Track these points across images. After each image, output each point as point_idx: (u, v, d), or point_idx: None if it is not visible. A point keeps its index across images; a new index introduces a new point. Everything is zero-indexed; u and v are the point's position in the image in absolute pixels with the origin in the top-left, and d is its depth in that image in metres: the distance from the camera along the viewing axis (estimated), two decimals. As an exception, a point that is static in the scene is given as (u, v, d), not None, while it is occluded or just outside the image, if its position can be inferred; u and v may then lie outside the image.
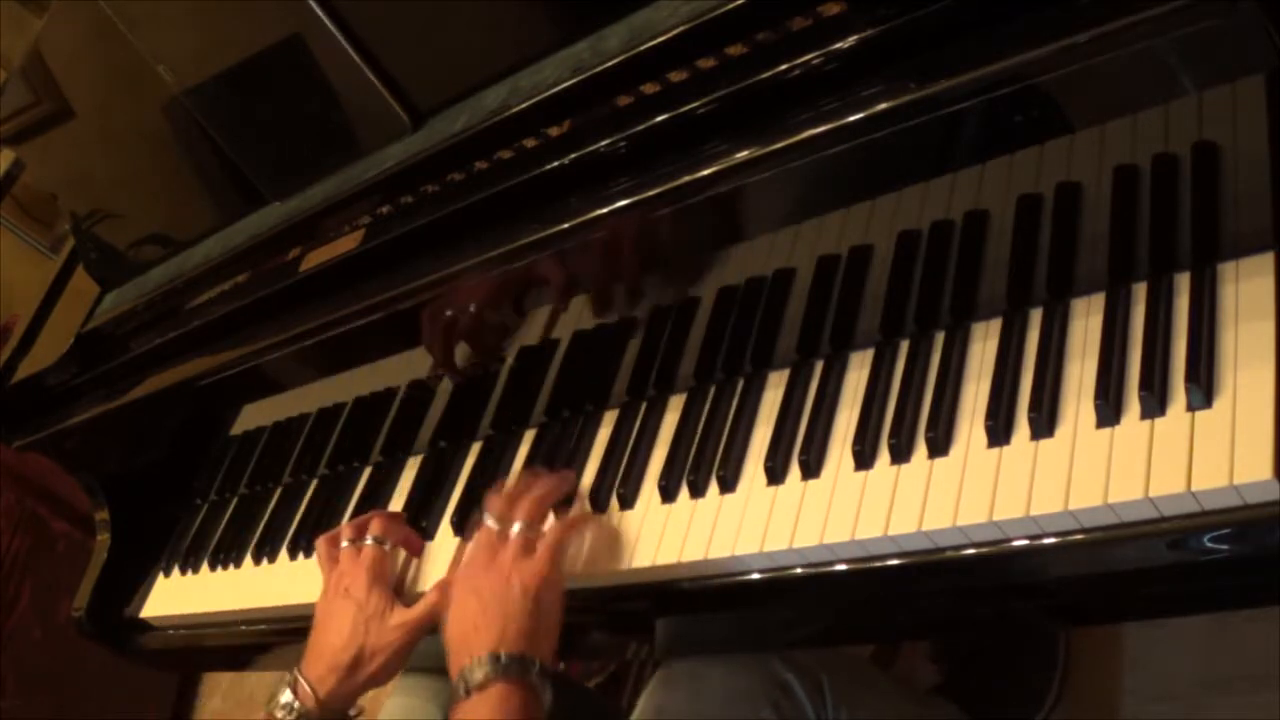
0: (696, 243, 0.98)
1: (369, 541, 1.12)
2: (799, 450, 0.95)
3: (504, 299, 1.07)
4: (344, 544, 1.13)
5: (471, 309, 1.09)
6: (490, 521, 1.01)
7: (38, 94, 1.33)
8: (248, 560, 1.38)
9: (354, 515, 1.29)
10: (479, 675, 0.91)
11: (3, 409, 1.47)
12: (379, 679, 1.06)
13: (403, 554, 1.17)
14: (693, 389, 1.08)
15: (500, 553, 0.98)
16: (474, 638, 0.94)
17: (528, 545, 0.99)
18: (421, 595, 1.09)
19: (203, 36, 1.14)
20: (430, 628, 1.06)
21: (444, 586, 1.07)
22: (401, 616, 1.06)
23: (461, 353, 1.15)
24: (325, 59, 1.05)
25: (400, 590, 1.15)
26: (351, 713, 1.08)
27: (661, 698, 1.02)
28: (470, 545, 1.03)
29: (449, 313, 1.09)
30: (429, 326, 1.11)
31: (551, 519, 1.03)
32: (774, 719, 1.02)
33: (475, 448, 1.22)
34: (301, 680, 1.05)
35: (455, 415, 1.23)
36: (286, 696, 1.05)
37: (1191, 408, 0.77)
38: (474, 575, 0.98)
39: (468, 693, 0.91)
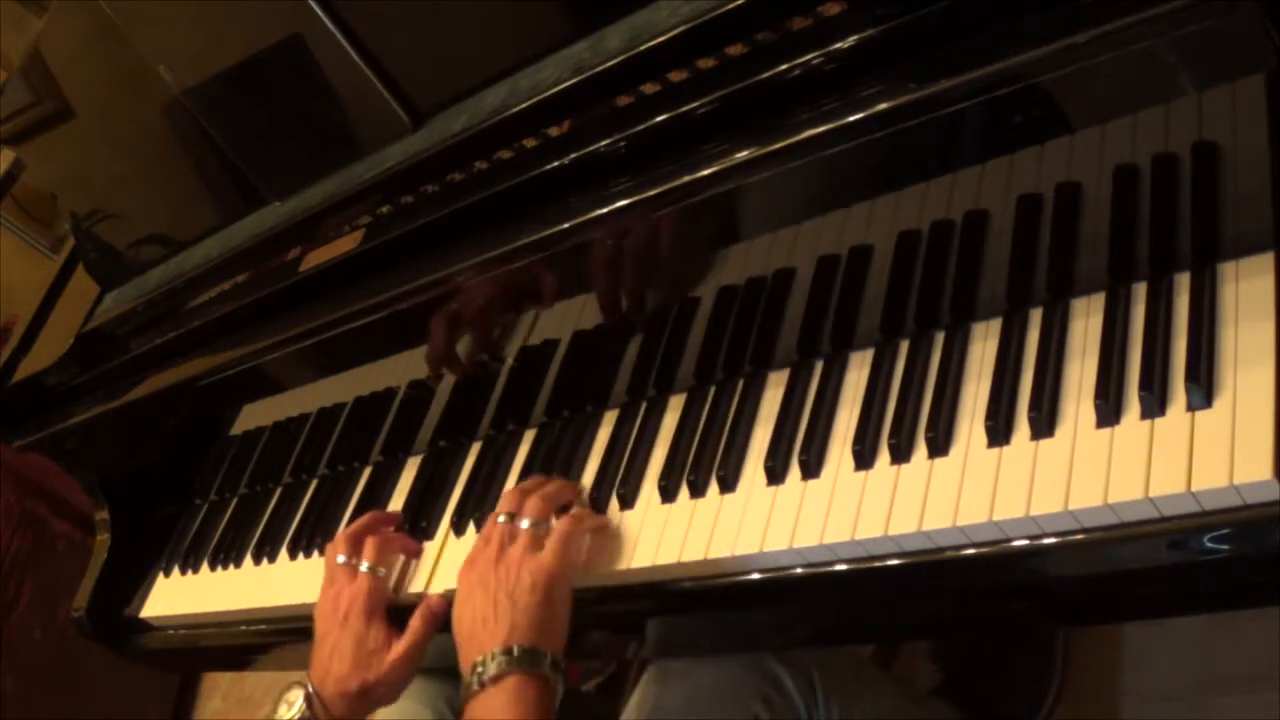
0: (697, 242, 0.98)
1: (364, 568, 1.12)
2: (799, 450, 0.95)
3: (506, 297, 1.07)
4: (340, 559, 1.13)
5: (474, 307, 1.09)
6: (500, 518, 1.02)
7: (38, 94, 1.33)
8: (248, 560, 1.38)
9: (354, 515, 1.29)
10: (493, 668, 0.91)
11: (3, 409, 1.47)
12: (385, 703, 1.09)
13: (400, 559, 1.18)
14: (693, 389, 1.08)
15: (509, 547, 0.99)
16: (485, 631, 0.94)
17: (536, 540, 0.99)
18: (418, 596, 1.10)
19: (203, 36, 1.14)
20: (426, 646, 1.08)
21: (425, 614, 1.08)
22: (401, 648, 1.07)
23: (463, 349, 1.15)
24: (325, 59, 1.05)
25: (400, 589, 1.15)
26: None
27: (653, 694, 1.03)
28: (478, 540, 1.03)
29: (451, 311, 1.09)
30: (433, 325, 1.11)
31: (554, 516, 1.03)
32: (765, 715, 1.02)
33: (475, 448, 1.22)
34: (315, 696, 1.06)
35: (455, 415, 1.23)
36: (301, 710, 1.06)
37: (1191, 408, 0.77)
38: (482, 569, 0.99)
39: (481, 686, 0.91)
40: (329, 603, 1.11)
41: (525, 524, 1.00)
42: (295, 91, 1.10)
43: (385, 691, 1.07)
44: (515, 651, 0.92)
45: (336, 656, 1.07)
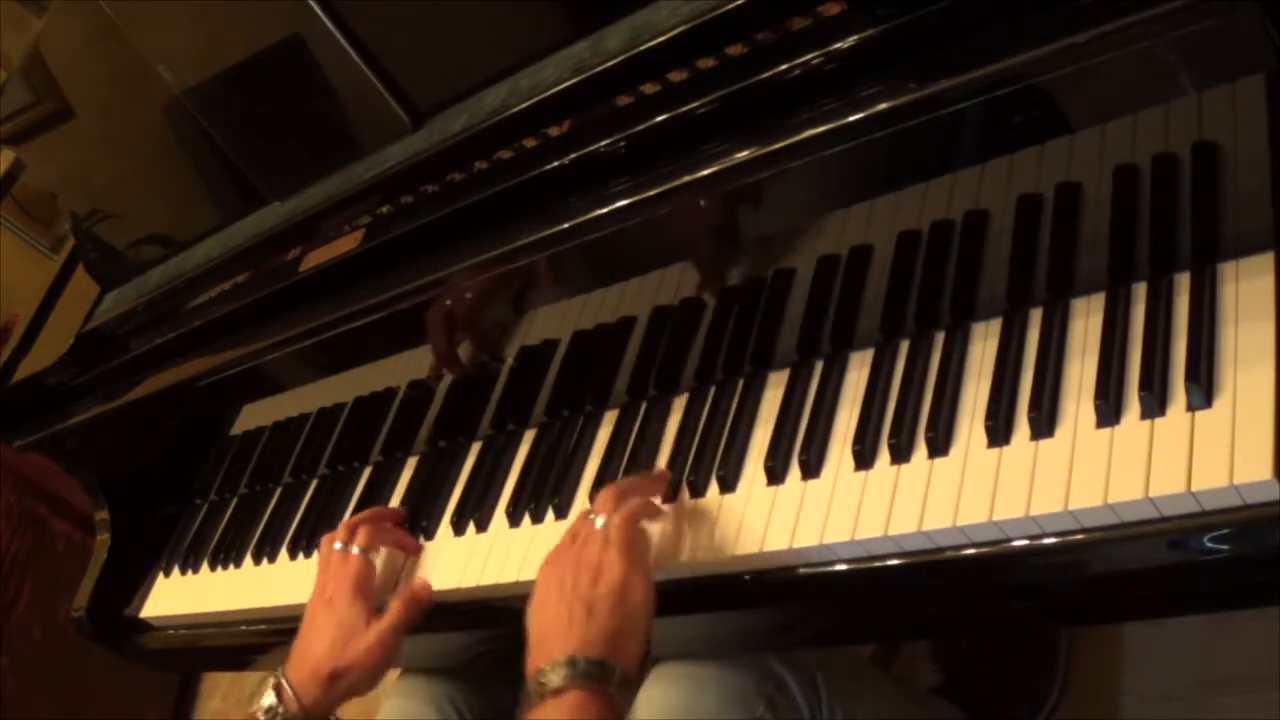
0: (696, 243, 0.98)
1: (355, 550, 1.12)
2: (799, 450, 0.95)
3: (507, 296, 1.07)
4: (336, 545, 1.13)
5: (475, 306, 1.09)
6: (588, 516, 0.95)
7: (38, 94, 1.33)
8: (248, 560, 1.38)
9: (354, 515, 1.29)
10: (555, 680, 0.86)
11: (3, 409, 1.47)
12: (358, 690, 1.07)
13: (403, 558, 1.17)
14: (693, 389, 1.08)
15: (587, 549, 0.92)
16: (554, 636, 0.89)
17: (609, 542, 0.92)
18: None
19: (203, 36, 1.14)
20: (404, 636, 1.07)
21: (407, 598, 1.08)
22: (376, 631, 1.06)
23: (463, 350, 1.15)
24: (325, 59, 1.05)
25: (399, 588, 1.15)
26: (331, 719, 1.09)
27: (656, 696, 1.02)
28: (565, 534, 0.97)
29: (452, 310, 1.09)
30: (432, 324, 1.11)
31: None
32: (769, 716, 1.01)
33: (475, 448, 1.23)
34: (286, 685, 1.06)
35: (455, 415, 1.23)
36: (270, 699, 1.06)
37: (1191, 408, 0.77)
38: (561, 569, 0.92)
39: (542, 697, 0.86)
40: (318, 588, 1.12)
41: (600, 521, 0.94)
42: (295, 91, 1.10)
43: (359, 677, 1.06)
44: (580, 664, 0.86)
45: (316, 637, 1.07)
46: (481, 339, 1.12)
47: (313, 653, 1.07)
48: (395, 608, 1.08)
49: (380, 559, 1.15)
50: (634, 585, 0.90)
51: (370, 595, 1.10)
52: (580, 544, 0.93)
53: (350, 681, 1.06)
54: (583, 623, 0.88)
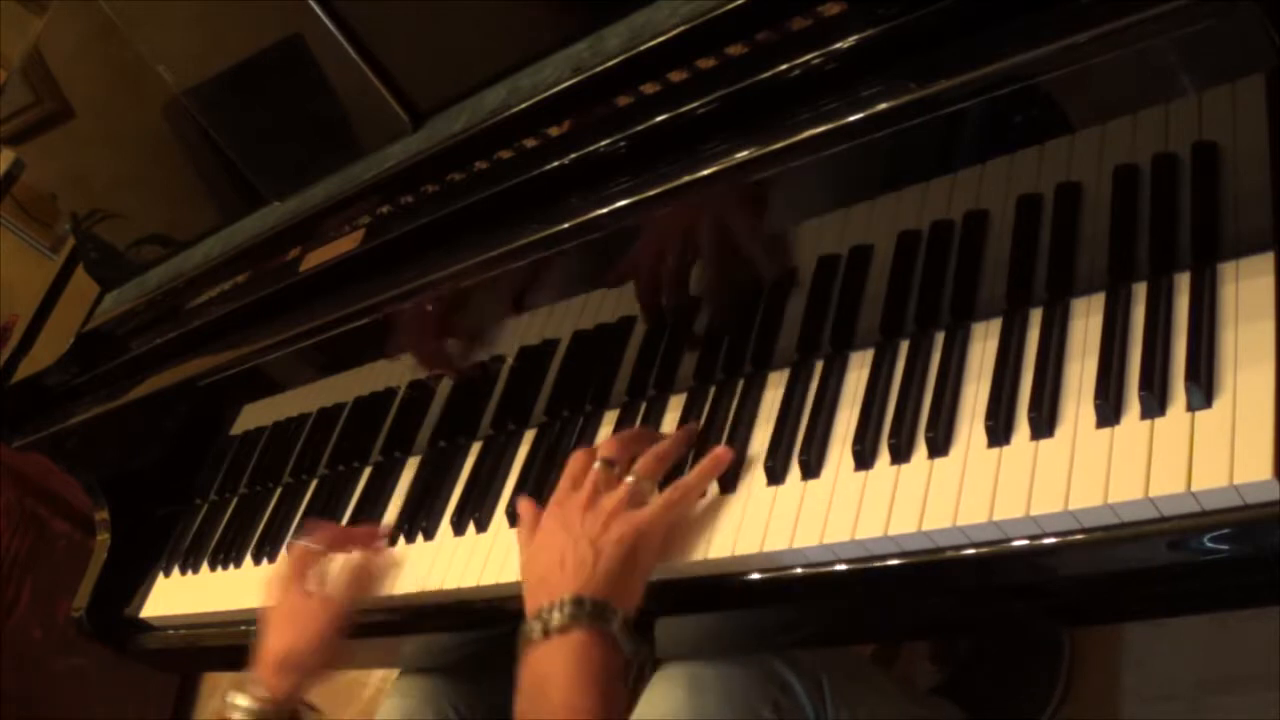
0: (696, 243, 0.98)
1: (301, 543, 1.17)
2: (799, 450, 0.95)
3: (506, 295, 1.07)
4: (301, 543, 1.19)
5: (472, 307, 1.09)
6: (596, 463, 0.96)
7: (38, 94, 1.33)
8: (248, 560, 1.38)
9: (354, 515, 1.29)
10: (558, 618, 0.86)
11: (3, 409, 1.47)
12: (315, 667, 1.10)
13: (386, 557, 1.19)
14: (693, 389, 1.08)
15: (604, 495, 0.93)
16: (557, 576, 0.89)
17: (636, 497, 0.93)
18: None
19: (203, 36, 1.14)
20: (349, 612, 1.11)
21: (355, 573, 1.12)
22: (319, 600, 1.10)
23: (463, 351, 1.15)
24: (325, 59, 1.05)
25: (393, 589, 1.15)
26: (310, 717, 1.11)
27: (660, 697, 1.02)
28: (564, 480, 0.97)
29: (451, 311, 1.10)
30: (432, 326, 1.11)
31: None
32: (773, 718, 1.01)
33: (475, 448, 1.22)
34: (253, 683, 1.09)
35: (455, 415, 1.23)
36: (243, 700, 1.09)
37: (1191, 408, 0.77)
38: (570, 512, 0.93)
39: (545, 635, 0.86)
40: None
41: (629, 479, 0.95)
42: (295, 91, 1.10)
43: (309, 649, 1.09)
44: (586, 603, 0.86)
45: (270, 633, 1.11)
46: (482, 339, 1.12)
47: (267, 647, 1.10)
48: (343, 580, 1.12)
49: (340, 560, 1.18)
50: (646, 540, 0.91)
51: (306, 578, 1.13)
52: (591, 489, 0.94)
53: (306, 663, 1.09)
54: (589, 566, 0.88)
